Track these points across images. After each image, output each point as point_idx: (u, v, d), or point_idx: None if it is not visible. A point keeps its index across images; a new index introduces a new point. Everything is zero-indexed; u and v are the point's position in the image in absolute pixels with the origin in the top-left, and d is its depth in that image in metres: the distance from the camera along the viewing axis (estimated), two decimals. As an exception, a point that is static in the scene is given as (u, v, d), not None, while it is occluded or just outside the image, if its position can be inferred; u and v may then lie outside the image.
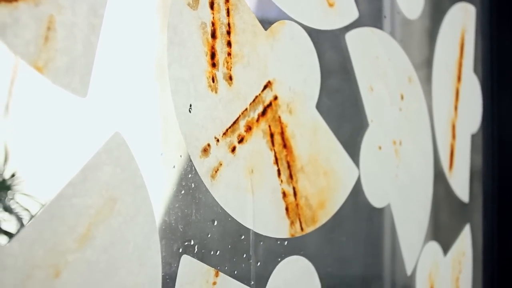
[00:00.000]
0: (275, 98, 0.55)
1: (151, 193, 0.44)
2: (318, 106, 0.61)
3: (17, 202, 0.41)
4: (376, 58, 0.71)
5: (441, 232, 0.87)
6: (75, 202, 0.39)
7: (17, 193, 0.40)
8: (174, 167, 0.47)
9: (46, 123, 0.39)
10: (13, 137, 0.38)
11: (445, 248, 0.86)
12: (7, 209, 0.41)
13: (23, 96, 0.37)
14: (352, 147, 0.66)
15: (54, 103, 0.39)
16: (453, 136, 0.88)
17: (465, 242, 0.92)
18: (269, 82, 0.54)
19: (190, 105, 0.47)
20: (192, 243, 0.47)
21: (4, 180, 0.40)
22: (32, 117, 0.39)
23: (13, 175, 0.40)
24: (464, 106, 0.91)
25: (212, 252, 0.49)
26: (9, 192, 0.41)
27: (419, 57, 0.83)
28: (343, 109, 0.67)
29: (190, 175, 0.47)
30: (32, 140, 0.39)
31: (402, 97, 0.75)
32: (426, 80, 0.83)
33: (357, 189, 0.66)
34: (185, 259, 0.46)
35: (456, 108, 0.89)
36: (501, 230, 1.01)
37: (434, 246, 0.82)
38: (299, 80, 0.58)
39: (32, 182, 0.40)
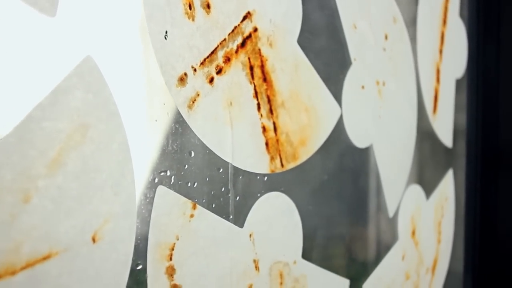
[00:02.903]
0: (255, 30, 0.53)
1: (125, 121, 0.42)
2: (300, 42, 0.59)
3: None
4: (360, -4, 0.69)
5: (424, 176, 0.86)
6: (44, 126, 0.38)
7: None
8: (149, 95, 0.45)
9: (12, 43, 0.37)
10: (-22, 57, 0.37)
11: (428, 192, 0.85)
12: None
13: (-13, 13, 0.36)
14: (334, 85, 0.65)
15: (20, 23, 0.37)
16: (438, 80, 0.87)
17: (448, 187, 0.92)
18: (248, 12, 0.53)
19: (166, 32, 0.45)
20: (168, 174, 0.46)
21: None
22: (-2, 37, 0.37)
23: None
24: (449, 50, 0.90)
25: (189, 184, 0.48)
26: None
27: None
28: (326, 46, 0.65)
29: (166, 104, 0.46)
30: (-2, 62, 0.38)
31: (386, 37, 0.73)
32: (412, 22, 0.81)
33: (339, 128, 0.66)
34: (161, 190, 0.45)
35: (441, 51, 0.88)
36: (484, 176, 1.01)
37: (417, 189, 0.82)
38: (279, 13, 0.56)
39: None
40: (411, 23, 0.82)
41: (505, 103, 1.01)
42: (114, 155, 0.42)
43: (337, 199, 0.70)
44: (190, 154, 0.48)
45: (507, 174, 1.01)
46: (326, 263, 0.65)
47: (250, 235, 0.53)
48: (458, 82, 0.95)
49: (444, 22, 0.89)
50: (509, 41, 1.01)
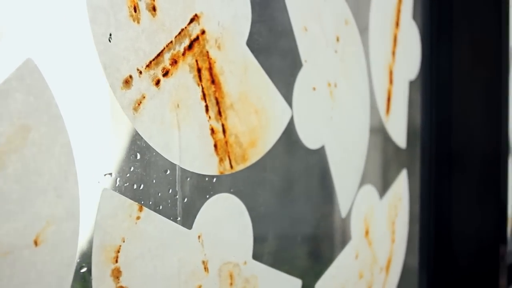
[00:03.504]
0: (203, 32, 0.54)
1: (68, 123, 0.42)
2: (250, 44, 0.60)
3: None
4: (311, -2, 0.70)
5: (378, 176, 0.88)
6: (-18, 129, 0.38)
7: None
8: (93, 98, 0.45)
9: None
10: None
11: (382, 192, 0.87)
12: None
13: None
14: (285, 87, 0.66)
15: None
16: (390, 81, 0.88)
17: (401, 187, 0.93)
18: (196, 15, 0.53)
19: (110, 35, 0.45)
20: (113, 176, 0.46)
21: None
22: None
23: None
24: (402, 52, 0.92)
25: (135, 186, 0.48)
26: None
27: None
28: (276, 48, 0.66)
29: (111, 107, 0.46)
30: None
31: (338, 39, 0.74)
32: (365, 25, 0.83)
33: (290, 129, 0.66)
34: (106, 192, 0.45)
35: (394, 53, 0.89)
36: (438, 176, 1.03)
37: (370, 189, 0.83)
38: (228, 15, 0.57)
39: None
40: (365, 26, 0.83)
41: (458, 104, 1.03)
42: (56, 157, 0.42)
43: (289, 200, 0.70)
44: (136, 156, 0.48)
45: (460, 173, 1.03)
46: (278, 264, 0.65)
47: (199, 237, 0.54)
48: (412, 84, 0.97)
49: (397, 24, 0.91)
50: (462, 43, 1.03)
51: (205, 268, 0.54)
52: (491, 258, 1.02)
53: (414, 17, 0.97)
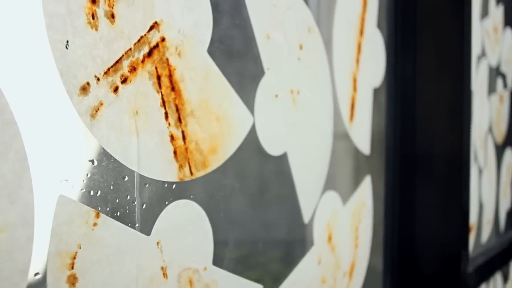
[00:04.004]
0: (163, 39, 0.54)
1: (23, 130, 0.42)
2: (211, 51, 0.60)
3: None
4: (273, 6, 0.70)
5: (341, 182, 0.88)
6: None
7: None
8: (49, 104, 0.45)
9: None
10: None
11: (345, 198, 0.88)
12: None
13: None
14: (247, 94, 0.66)
15: None
16: (354, 89, 0.89)
17: (365, 193, 0.94)
18: (156, 23, 0.53)
19: (67, 41, 0.45)
20: (69, 182, 0.46)
21: None
22: None
23: None
24: (366, 60, 0.93)
25: (92, 193, 0.48)
26: None
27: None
28: (238, 56, 0.67)
29: (67, 113, 0.46)
30: None
31: (301, 47, 0.75)
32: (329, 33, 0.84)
33: (252, 136, 0.67)
34: (62, 199, 0.45)
35: (358, 61, 0.91)
36: (402, 182, 1.05)
37: (333, 196, 0.84)
38: (189, 23, 0.57)
39: None
40: (329, 34, 0.84)
41: (422, 111, 1.05)
42: (10, 164, 0.42)
43: (251, 206, 0.71)
44: (93, 162, 0.48)
45: (424, 179, 1.04)
46: (238, 269, 0.66)
47: (158, 243, 0.54)
48: (377, 91, 0.98)
49: (361, 32, 0.92)
50: (426, 51, 1.05)
51: (164, 274, 0.55)
52: (453, 264, 1.04)
53: (379, 26, 0.98)
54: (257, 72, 0.68)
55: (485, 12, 1.55)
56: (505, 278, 1.78)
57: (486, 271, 1.47)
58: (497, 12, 1.66)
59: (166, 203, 0.55)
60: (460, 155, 1.04)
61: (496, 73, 1.66)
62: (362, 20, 0.92)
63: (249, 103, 0.66)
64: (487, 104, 1.56)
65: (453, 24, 1.04)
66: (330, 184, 0.83)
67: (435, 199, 1.04)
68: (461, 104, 1.03)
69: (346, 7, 0.87)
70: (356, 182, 0.92)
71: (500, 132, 1.71)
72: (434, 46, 1.05)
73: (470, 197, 1.08)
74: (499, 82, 1.70)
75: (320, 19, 0.81)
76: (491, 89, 1.62)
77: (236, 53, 0.67)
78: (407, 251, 1.05)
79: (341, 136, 0.87)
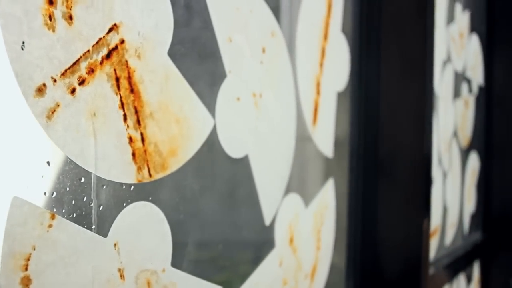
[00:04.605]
0: (122, 41, 0.54)
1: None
2: (172, 54, 0.61)
3: None
4: (236, 9, 0.71)
5: (304, 185, 0.89)
6: None
7: None
8: (4, 105, 0.45)
9: None
10: None
11: (307, 201, 0.88)
12: None
13: None
14: (208, 97, 0.67)
15: None
16: (318, 92, 0.90)
17: (328, 196, 0.95)
18: (115, 25, 0.53)
19: (23, 43, 0.45)
20: (24, 184, 0.46)
21: None
22: None
23: None
24: (330, 64, 0.94)
25: (47, 194, 0.48)
26: None
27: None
28: (200, 58, 0.67)
29: (22, 114, 0.46)
30: None
31: (264, 50, 0.76)
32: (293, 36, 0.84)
33: (213, 138, 0.67)
34: (16, 200, 0.45)
35: (321, 65, 0.91)
36: (365, 185, 1.06)
37: (295, 198, 0.84)
38: (149, 25, 0.57)
39: None
40: (292, 38, 0.84)
41: (386, 115, 1.06)
42: (-38, 165, 0.41)
43: (211, 208, 0.71)
44: (49, 164, 0.48)
45: (387, 182, 1.06)
46: (198, 271, 0.66)
47: (115, 244, 0.54)
48: (341, 95, 0.99)
49: (325, 37, 0.93)
50: (390, 56, 1.06)
51: (121, 276, 0.55)
52: (415, 266, 1.05)
53: (344, 30, 0.99)
54: (219, 75, 0.69)
55: (451, 18, 1.57)
56: (469, 280, 1.81)
57: (449, 273, 1.49)
58: (463, 18, 1.69)
59: (124, 204, 0.56)
60: (423, 158, 1.06)
61: (461, 78, 1.69)
62: (327, 24, 0.93)
63: (211, 105, 0.67)
64: (452, 109, 1.59)
65: (417, 29, 1.06)
66: (292, 186, 0.84)
67: (398, 202, 1.06)
68: (424, 109, 1.05)
69: (310, 11, 0.88)
70: (319, 185, 0.93)
71: (465, 136, 1.73)
72: (398, 51, 1.06)
73: (432, 200, 1.10)
74: (465, 87, 1.73)
75: (284, 23, 0.82)
76: (457, 94, 1.65)
77: (198, 56, 0.67)
78: (370, 254, 1.06)
79: (304, 139, 0.88)
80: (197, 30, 0.66)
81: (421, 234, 1.05)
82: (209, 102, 0.67)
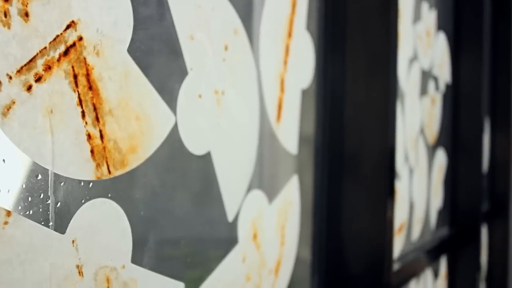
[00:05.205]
0: (80, 39, 0.54)
1: None
2: (132, 51, 0.61)
3: None
4: (198, 7, 0.71)
5: (267, 181, 0.90)
6: None
7: None
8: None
9: None
10: None
11: (271, 197, 0.89)
12: None
13: None
14: (170, 94, 0.67)
15: None
16: (282, 90, 0.91)
17: (292, 192, 0.96)
18: (73, 22, 0.53)
19: (-23, 39, 0.45)
20: (-22, 181, 0.46)
21: None
22: None
23: None
24: (294, 62, 0.95)
25: (2, 191, 0.48)
26: None
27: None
28: (160, 56, 0.67)
29: (-24, 112, 0.46)
30: None
31: (226, 48, 0.76)
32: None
33: (174, 136, 0.67)
34: (-30, 197, 0.45)
35: (285, 63, 0.92)
36: (330, 182, 1.07)
37: (258, 194, 0.85)
38: (108, 22, 0.57)
39: None
40: (256, 36, 0.85)
41: (350, 112, 1.07)
42: None
43: (172, 205, 0.71)
44: (4, 161, 0.48)
45: (351, 179, 1.07)
46: (159, 267, 0.66)
47: (73, 241, 0.54)
48: (305, 92, 1.00)
49: (290, 35, 0.94)
50: (355, 53, 1.07)
51: (79, 273, 0.55)
52: (378, 262, 1.07)
53: (308, 28, 1.00)
54: (181, 72, 0.69)
55: (417, 16, 1.59)
56: (436, 274, 1.83)
57: (415, 267, 1.52)
58: (429, 16, 1.71)
59: (83, 201, 0.56)
60: (387, 154, 1.07)
61: (428, 76, 1.71)
62: (291, 22, 0.94)
63: (172, 103, 0.67)
64: (418, 106, 1.60)
65: (381, 28, 1.07)
66: (256, 183, 0.85)
67: (362, 199, 1.07)
68: (388, 105, 1.06)
69: (274, 9, 0.89)
70: (283, 182, 0.94)
71: (432, 133, 1.76)
72: (362, 49, 1.07)
73: (398, 197, 1.12)
74: (432, 84, 1.75)
75: (247, 21, 0.83)
76: (424, 91, 1.67)
77: (159, 53, 0.67)
78: (335, 249, 1.08)
79: (268, 136, 0.88)
80: (158, 27, 0.66)
81: (385, 229, 1.06)
82: (171, 99, 0.67)
